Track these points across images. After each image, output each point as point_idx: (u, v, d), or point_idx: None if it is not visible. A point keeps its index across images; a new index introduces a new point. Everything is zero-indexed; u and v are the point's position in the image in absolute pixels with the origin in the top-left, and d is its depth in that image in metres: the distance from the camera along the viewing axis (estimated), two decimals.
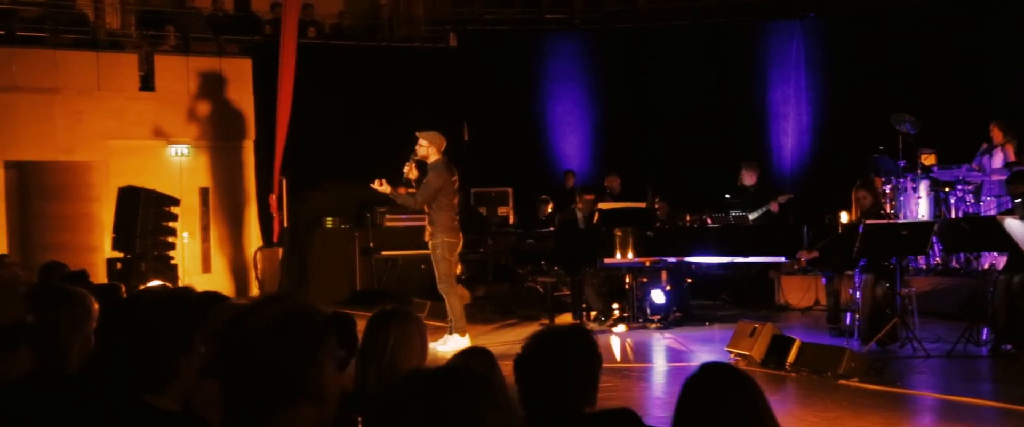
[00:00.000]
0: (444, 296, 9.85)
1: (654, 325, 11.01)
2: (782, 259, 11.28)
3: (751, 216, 12.62)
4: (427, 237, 9.87)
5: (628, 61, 16.52)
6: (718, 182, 13.49)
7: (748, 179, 13.04)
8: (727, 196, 13.07)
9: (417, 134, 9.75)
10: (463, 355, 3.73)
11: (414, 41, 16.89)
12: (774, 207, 12.48)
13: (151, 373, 2.48)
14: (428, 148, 9.76)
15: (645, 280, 11.33)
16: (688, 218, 12.51)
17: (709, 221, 12.39)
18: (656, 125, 16.04)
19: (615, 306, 11.45)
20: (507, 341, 10.41)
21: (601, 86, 16.77)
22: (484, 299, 13.36)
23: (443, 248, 9.81)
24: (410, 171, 9.79)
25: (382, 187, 9.72)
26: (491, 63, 16.50)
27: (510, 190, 15.63)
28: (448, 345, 9.47)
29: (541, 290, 12.02)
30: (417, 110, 14.48)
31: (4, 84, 14.11)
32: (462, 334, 9.67)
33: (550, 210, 14.34)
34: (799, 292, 12.61)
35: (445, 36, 16.87)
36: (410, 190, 9.82)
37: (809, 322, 11.51)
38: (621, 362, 9.24)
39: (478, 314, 12.41)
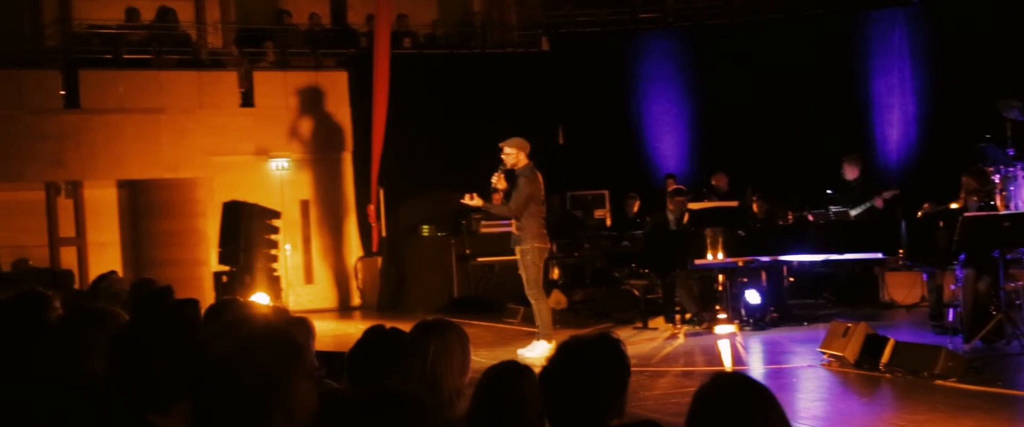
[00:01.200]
0: (532, 302, 9.82)
1: (749, 327, 10.78)
2: (881, 255, 10.91)
3: (853, 212, 12.29)
4: (513, 244, 9.84)
5: (724, 57, 16.23)
6: (820, 178, 13.17)
7: (850, 173, 12.71)
8: (829, 191, 12.75)
9: (500, 144, 9.72)
10: (498, 371, 3.63)
11: (507, 47, 16.93)
12: (879, 203, 12.12)
13: (155, 393, 2.51)
14: (516, 155, 9.74)
15: (744, 280, 11.11)
16: (790, 216, 12.25)
17: (810, 218, 12.11)
18: (755, 122, 15.72)
19: (717, 308, 11.26)
20: None
21: (697, 84, 16.53)
22: (581, 303, 13.28)
23: (533, 254, 9.77)
24: (499, 181, 9.76)
25: (473, 201, 9.75)
26: (584, 66, 16.42)
27: (606, 193, 15.52)
28: (535, 351, 9.44)
29: (637, 293, 11.91)
30: (511, 116, 14.51)
31: (112, 106, 14.64)
32: (549, 340, 9.62)
33: (637, 208, 14.18)
34: (904, 289, 12.22)
35: (537, 41, 16.87)
36: (497, 196, 9.83)
37: (915, 320, 11.13)
38: (710, 366, 9.06)
39: (572, 319, 12.36)
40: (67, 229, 15.09)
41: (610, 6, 17.16)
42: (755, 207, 12.72)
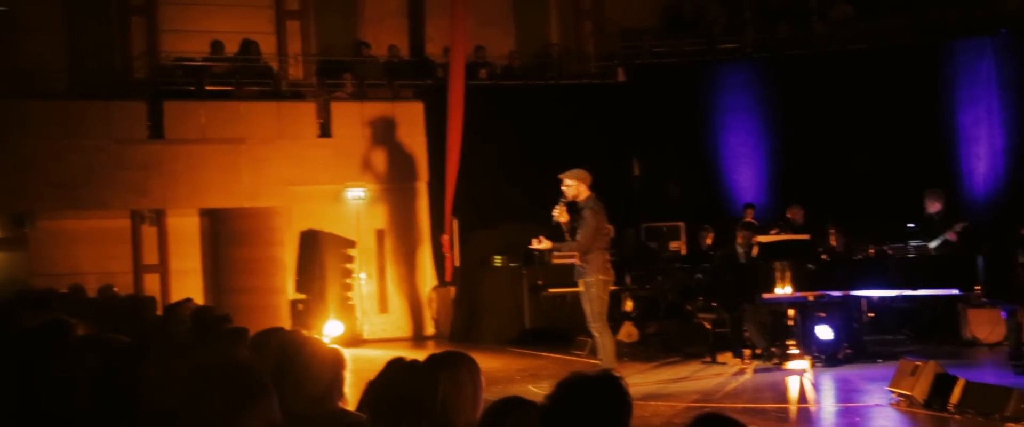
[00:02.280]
0: (595, 335, 9.68)
1: (820, 363, 10.50)
2: (957, 291, 10.56)
3: (931, 245, 11.95)
4: (577, 276, 9.74)
5: (803, 88, 15.98)
6: (902, 211, 12.85)
7: (932, 207, 12.39)
8: (910, 225, 12.42)
9: (561, 176, 9.65)
10: (499, 407, 3.54)
11: (583, 78, 16.92)
12: (951, 236, 11.76)
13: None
14: (577, 187, 9.64)
15: (822, 315, 10.85)
16: (871, 250, 11.96)
17: (889, 252, 11.81)
18: (834, 154, 15.42)
19: (788, 343, 11.01)
20: (660, 381, 10.19)
21: (776, 115, 16.29)
22: (653, 336, 13.12)
23: (597, 286, 9.64)
24: (560, 214, 9.66)
25: (541, 244, 9.70)
26: (661, 96, 16.31)
27: (681, 225, 15.35)
28: None
29: (707, 326, 11.72)
30: (586, 146, 14.47)
31: (194, 136, 14.99)
32: None
33: (711, 240, 13.98)
34: (987, 326, 11.80)
35: (614, 71, 16.82)
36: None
37: (997, 359, 10.76)
38: (773, 403, 8.85)
39: (641, 352, 12.22)
40: (151, 256, 15.44)
41: (688, 37, 17.05)
42: (833, 240, 12.47)
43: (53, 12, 15.99)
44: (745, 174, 16.34)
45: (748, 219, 14.81)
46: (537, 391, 3.43)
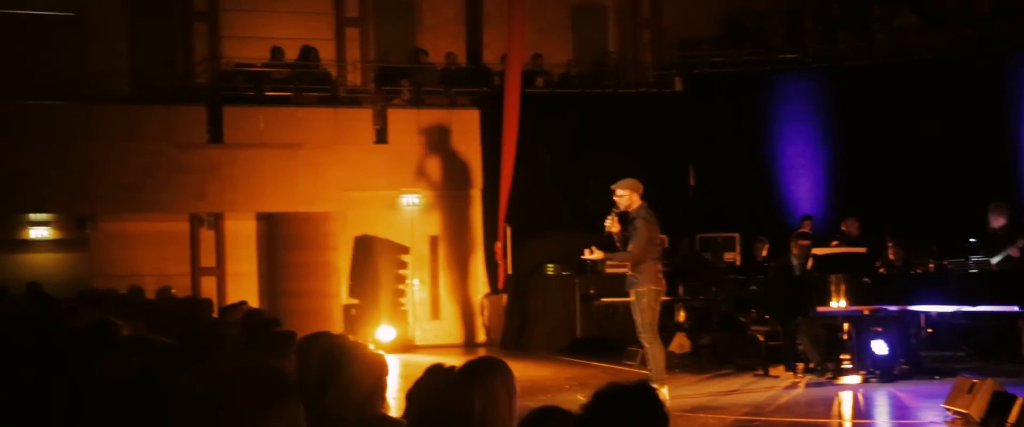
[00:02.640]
0: (646, 345, 9.59)
1: (875, 378, 10.32)
2: (1017, 308, 10.32)
3: (993, 261, 11.69)
4: (628, 286, 9.67)
5: (864, 100, 15.75)
6: (964, 225, 12.59)
7: (996, 222, 12.11)
8: (971, 240, 12.16)
9: (613, 186, 9.59)
10: (536, 416, 3.52)
11: (640, 87, 16.84)
12: (1014, 252, 11.49)
13: None
14: (629, 196, 9.58)
15: (879, 330, 10.66)
16: (931, 265, 11.73)
17: (949, 267, 11.57)
18: (895, 166, 15.17)
19: (842, 358, 10.84)
20: (711, 393, 10.07)
21: (836, 126, 16.06)
22: (706, 348, 13.00)
23: (648, 297, 9.56)
24: (612, 224, 9.60)
25: (593, 255, 9.65)
26: (718, 106, 16.18)
27: (737, 235, 15.20)
28: None
29: (761, 338, 11.58)
30: (641, 155, 14.41)
31: (252, 141, 15.16)
32: (661, 385, 9.39)
33: (766, 252, 13.83)
34: None
35: (671, 81, 16.72)
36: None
37: None
38: (823, 418, 8.71)
39: (693, 364, 12.11)
40: (208, 259, 15.64)
41: (748, 47, 16.90)
42: (892, 254, 12.26)
43: (118, 18, 16.30)
44: (803, 185, 16.14)
45: (805, 230, 14.63)
46: (585, 401, 3.40)
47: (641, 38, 17.96)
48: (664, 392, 9.35)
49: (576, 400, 3.62)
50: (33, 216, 16.15)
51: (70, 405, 3.45)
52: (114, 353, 3.66)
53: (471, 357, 3.58)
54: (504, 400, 3.67)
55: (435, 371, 4.07)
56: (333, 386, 4.26)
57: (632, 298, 9.60)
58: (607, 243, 9.70)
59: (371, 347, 5.26)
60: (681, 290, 13.58)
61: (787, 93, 16.43)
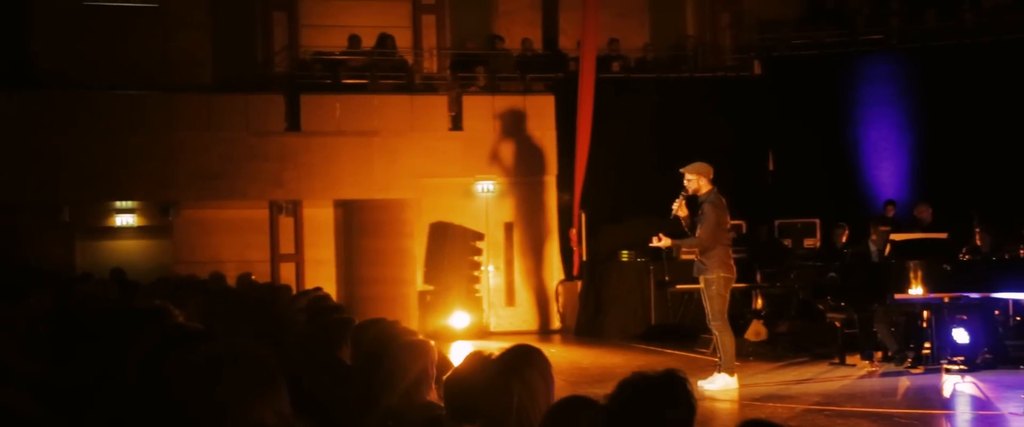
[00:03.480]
0: (716, 333, 9.44)
1: (957, 368, 10.00)
2: None
3: None
4: (697, 272, 9.52)
5: (952, 81, 15.29)
6: None
7: None
8: None
9: (682, 170, 9.45)
10: (564, 406, 3.45)
11: (718, 70, 16.58)
12: None
13: None
14: (697, 181, 9.43)
15: (964, 318, 10.33)
16: (1021, 251, 11.33)
17: None
18: (983, 149, 14.70)
19: (925, 345, 10.53)
20: (783, 381, 9.87)
21: (921, 109, 15.63)
22: (783, 335, 12.76)
23: (718, 283, 9.40)
24: (680, 208, 9.46)
25: (662, 242, 9.52)
26: (799, 89, 15.87)
27: (817, 221, 14.86)
28: (715, 384, 9.11)
29: (838, 326, 11.32)
30: (720, 140, 14.20)
31: (330, 129, 15.29)
32: (731, 373, 9.25)
33: (846, 238, 13.50)
34: None
35: (750, 64, 16.43)
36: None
37: None
38: (898, 408, 8.46)
39: (768, 351, 11.89)
40: (287, 246, 15.84)
41: (830, 28, 16.52)
42: (978, 239, 11.87)
43: (200, 7, 16.59)
44: (886, 170, 15.75)
45: (889, 215, 14.27)
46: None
47: (720, 21, 17.67)
48: (734, 381, 9.21)
49: None
50: (118, 204, 16.52)
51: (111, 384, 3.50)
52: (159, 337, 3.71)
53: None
54: (541, 388, 3.63)
55: (474, 359, 4.05)
56: (380, 373, 4.28)
57: (701, 285, 9.46)
58: (675, 228, 9.57)
59: (419, 336, 5.26)
60: (759, 277, 13.36)
61: (870, 75, 16.03)
